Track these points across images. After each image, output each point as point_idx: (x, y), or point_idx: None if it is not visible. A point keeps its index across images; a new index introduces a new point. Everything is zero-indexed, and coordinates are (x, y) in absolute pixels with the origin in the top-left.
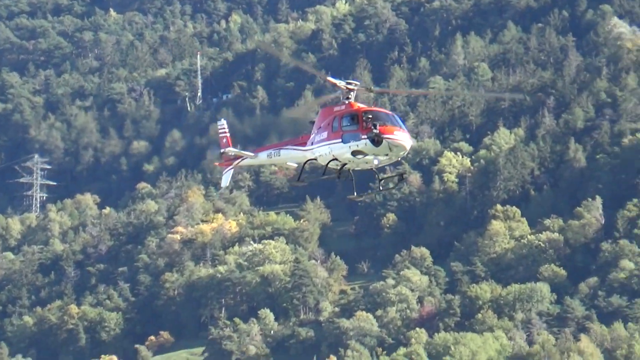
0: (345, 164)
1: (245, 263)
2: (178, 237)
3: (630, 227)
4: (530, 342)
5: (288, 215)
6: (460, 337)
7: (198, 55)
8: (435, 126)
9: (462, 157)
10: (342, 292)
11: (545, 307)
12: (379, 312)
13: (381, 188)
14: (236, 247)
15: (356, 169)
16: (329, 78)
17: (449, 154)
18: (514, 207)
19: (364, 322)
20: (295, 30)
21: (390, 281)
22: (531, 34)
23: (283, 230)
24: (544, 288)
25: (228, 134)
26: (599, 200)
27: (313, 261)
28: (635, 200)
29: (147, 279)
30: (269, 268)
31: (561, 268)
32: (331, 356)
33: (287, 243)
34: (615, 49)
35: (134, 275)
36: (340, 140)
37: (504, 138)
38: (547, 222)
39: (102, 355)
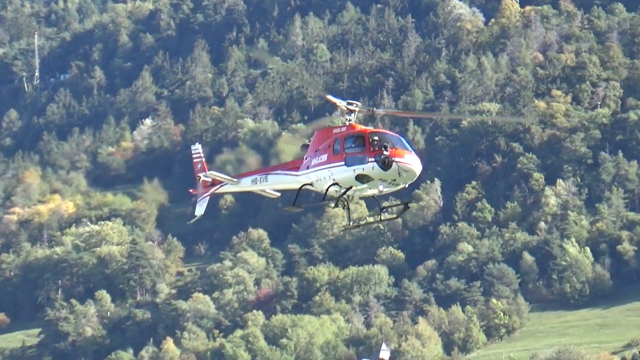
0: (348, 189)
1: (82, 244)
2: (15, 217)
3: (468, 210)
4: (368, 325)
5: (125, 196)
6: (298, 319)
7: (35, 35)
8: (273, 107)
9: None
10: (179, 273)
11: (383, 289)
12: (215, 294)
13: (381, 218)
14: (73, 228)
15: (358, 195)
16: (329, 97)
17: (286, 135)
18: None
19: (201, 304)
20: (133, 11)
21: (228, 263)
22: (370, 15)
23: (120, 211)
24: (381, 271)
25: (203, 159)
26: (437, 182)
27: (150, 242)
28: (474, 182)
29: None
30: (105, 249)
31: (399, 251)
32: (168, 338)
33: (124, 224)
34: (455, 30)
35: None
36: (342, 163)
37: (342, 120)
38: (385, 204)
39: None
